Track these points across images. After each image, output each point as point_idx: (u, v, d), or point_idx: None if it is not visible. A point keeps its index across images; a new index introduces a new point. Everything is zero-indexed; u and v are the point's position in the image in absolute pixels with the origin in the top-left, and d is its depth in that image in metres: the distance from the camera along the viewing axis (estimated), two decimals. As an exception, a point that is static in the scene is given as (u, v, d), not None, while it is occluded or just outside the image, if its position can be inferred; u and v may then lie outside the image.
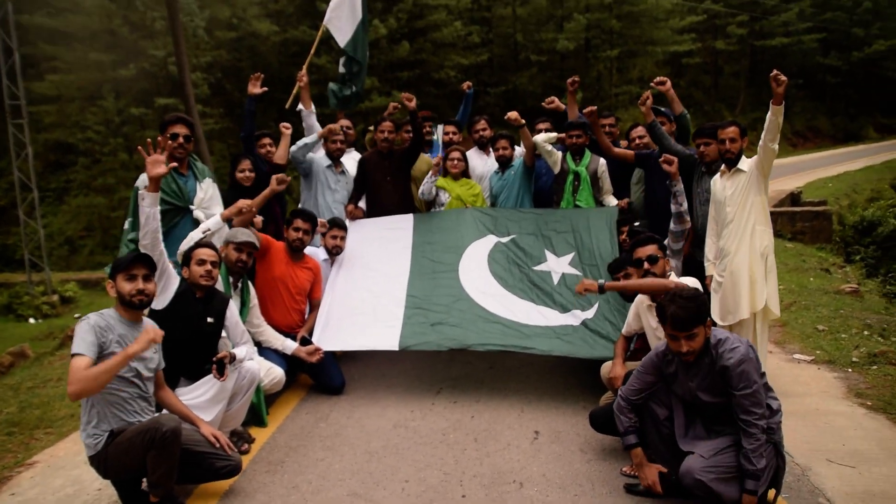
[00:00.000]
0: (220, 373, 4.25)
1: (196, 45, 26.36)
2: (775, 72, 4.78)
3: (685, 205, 5.41)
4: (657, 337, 4.46)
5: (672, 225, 5.45)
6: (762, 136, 4.97)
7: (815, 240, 15.62)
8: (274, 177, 5.68)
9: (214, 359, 4.26)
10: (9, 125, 19.47)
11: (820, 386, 5.59)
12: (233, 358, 4.36)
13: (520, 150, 7.03)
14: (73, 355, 3.46)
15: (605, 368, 4.78)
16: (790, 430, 4.32)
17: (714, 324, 4.25)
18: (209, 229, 5.18)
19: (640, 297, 4.70)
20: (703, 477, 3.32)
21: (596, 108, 6.38)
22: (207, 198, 5.57)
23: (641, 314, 4.69)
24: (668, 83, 6.12)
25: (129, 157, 25.82)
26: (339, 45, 7.89)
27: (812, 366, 6.12)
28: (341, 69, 8.12)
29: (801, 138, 40.75)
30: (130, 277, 3.75)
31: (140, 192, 4.32)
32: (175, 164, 4.91)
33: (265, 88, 6.58)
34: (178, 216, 5.44)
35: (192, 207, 5.47)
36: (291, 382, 5.63)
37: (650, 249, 4.58)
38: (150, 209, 4.25)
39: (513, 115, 6.55)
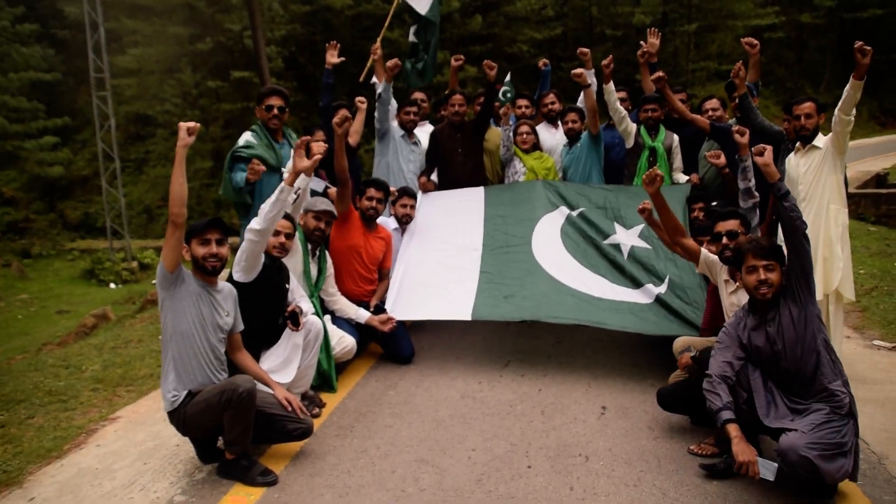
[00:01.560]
0: (296, 324, 4.43)
1: (271, 19, 26.77)
2: (859, 43, 4.63)
3: (753, 180, 5.11)
4: (730, 311, 4.38)
5: (741, 202, 5.17)
6: (837, 108, 4.83)
7: (901, 224, 14.93)
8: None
9: (287, 313, 4.42)
10: (94, 97, 20.20)
11: (901, 373, 5.36)
12: (301, 310, 4.51)
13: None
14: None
15: (678, 343, 4.68)
16: (866, 417, 4.19)
17: None
18: (299, 187, 5.25)
19: (719, 265, 4.53)
20: (808, 453, 3.18)
21: (665, 74, 6.21)
22: None
23: (719, 283, 4.55)
24: (758, 47, 5.99)
25: (206, 130, 26.47)
26: (420, 12, 7.80)
27: (893, 353, 5.87)
28: (412, 38, 8.03)
29: (892, 117, 38.70)
30: (204, 242, 3.88)
31: (282, 186, 4.34)
32: (318, 156, 4.95)
33: (343, 58, 6.56)
34: (270, 175, 5.58)
35: (283, 170, 5.59)
36: (361, 351, 5.72)
37: (731, 224, 4.41)
38: (283, 200, 4.29)
39: (578, 72, 6.36)
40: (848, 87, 4.73)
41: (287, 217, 4.69)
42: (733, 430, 3.47)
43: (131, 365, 6.13)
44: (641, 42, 6.76)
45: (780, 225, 4.32)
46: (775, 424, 3.47)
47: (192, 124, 3.79)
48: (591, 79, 6.58)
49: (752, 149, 4.26)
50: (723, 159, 5.74)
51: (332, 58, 6.45)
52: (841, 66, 38.19)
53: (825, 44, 39.78)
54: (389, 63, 6.69)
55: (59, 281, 20.07)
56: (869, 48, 4.64)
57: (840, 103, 4.79)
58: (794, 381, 3.55)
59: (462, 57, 7.37)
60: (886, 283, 8.38)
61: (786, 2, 36.92)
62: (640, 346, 5.84)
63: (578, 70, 6.39)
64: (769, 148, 4.08)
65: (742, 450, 3.39)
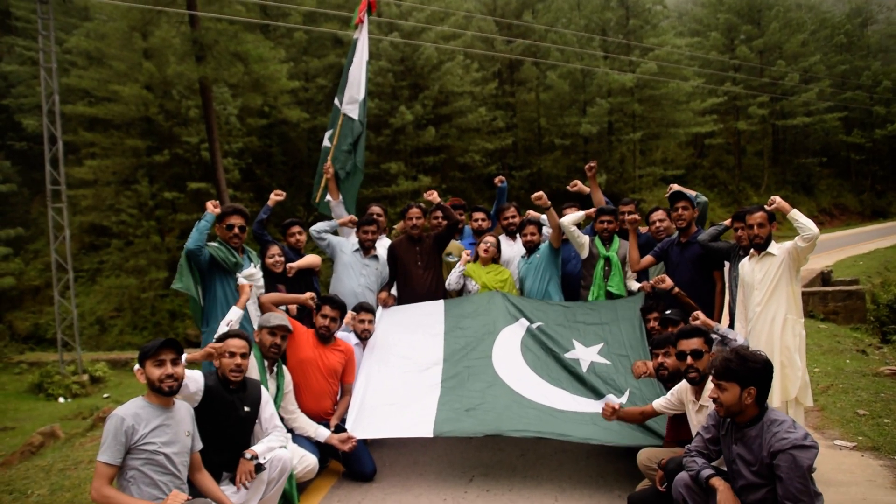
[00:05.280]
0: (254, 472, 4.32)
1: (228, 132, 27.21)
2: (772, 206, 5.23)
3: (739, 338, 5.05)
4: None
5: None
6: (797, 239, 5.18)
7: (848, 320, 15.31)
8: (308, 295, 5.92)
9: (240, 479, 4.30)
10: (49, 209, 20.05)
11: (865, 474, 5.39)
12: (259, 467, 4.36)
13: (547, 231, 7.08)
14: (100, 461, 3.61)
15: (643, 455, 4.68)
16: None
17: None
18: (231, 320, 5.23)
19: (684, 387, 4.57)
20: None
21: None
22: (256, 277, 5.77)
23: (686, 404, 4.58)
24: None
25: (161, 240, 26.39)
26: (354, 118, 7.97)
27: (855, 452, 5.94)
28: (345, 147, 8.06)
29: (828, 216, 40.57)
30: (159, 363, 3.84)
31: None
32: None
33: (283, 195, 6.91)
34: (224, 276, 5.73)
35: (238, 275, 5.73)
36: (323, 469, 5.57)
37: (695, 343, 4.41)
38: None
39: (539, 195, 6.57)
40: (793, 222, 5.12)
41: (242, 336, 4.61)
42: (718, 482, 3.55)
43: (81, 488, 5.86)
44: (590, 163, 7.12)
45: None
46: None
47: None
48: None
49: (690, 318, 5.02)
50: (668, 282, 5.90)
51: (278, 196, 6.80)
52: (777, 168, 40.36)
53: (762, 148, 42.12)
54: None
55: (4, 396, 19.26)
56: (772, 197, 5.26)
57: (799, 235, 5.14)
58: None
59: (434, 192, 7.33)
60: (841, 380, 8.55)
61: (723, 110, 39.15)
62: (605, 455, 5.81)
63: (539, 193, 6.59)
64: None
65: (727, 498, 3.45)
